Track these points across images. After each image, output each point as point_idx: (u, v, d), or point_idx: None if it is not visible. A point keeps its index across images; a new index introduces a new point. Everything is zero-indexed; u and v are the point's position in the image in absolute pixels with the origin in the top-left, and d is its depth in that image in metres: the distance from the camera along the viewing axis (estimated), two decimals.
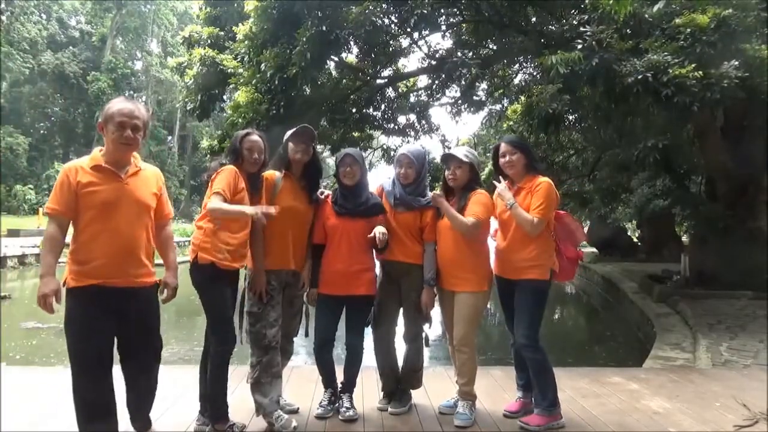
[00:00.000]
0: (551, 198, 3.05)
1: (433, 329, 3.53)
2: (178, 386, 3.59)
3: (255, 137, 2.94)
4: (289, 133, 3.10)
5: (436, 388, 3.72)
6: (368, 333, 3.33)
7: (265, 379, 2.93)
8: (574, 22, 7.07)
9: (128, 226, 2.44)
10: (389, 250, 3.23)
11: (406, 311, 3.30)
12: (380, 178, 3.61)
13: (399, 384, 3.38)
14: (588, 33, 6.60)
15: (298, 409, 3.26)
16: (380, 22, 8.67)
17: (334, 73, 10.52)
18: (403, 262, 3.24)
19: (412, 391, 3.44)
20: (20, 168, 34.33)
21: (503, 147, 3.24)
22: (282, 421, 2.90)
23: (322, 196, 3.24)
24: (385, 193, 3.35)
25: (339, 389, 3.26)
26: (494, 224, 3.33)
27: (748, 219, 9.46)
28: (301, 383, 3.65)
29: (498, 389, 3.78)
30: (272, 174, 3.07)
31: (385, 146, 14.11)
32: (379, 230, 3.02)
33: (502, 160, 3.23)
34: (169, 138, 46.90)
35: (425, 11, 8.09)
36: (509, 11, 8.32)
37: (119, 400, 2.55)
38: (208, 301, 2.78)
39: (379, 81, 11.15)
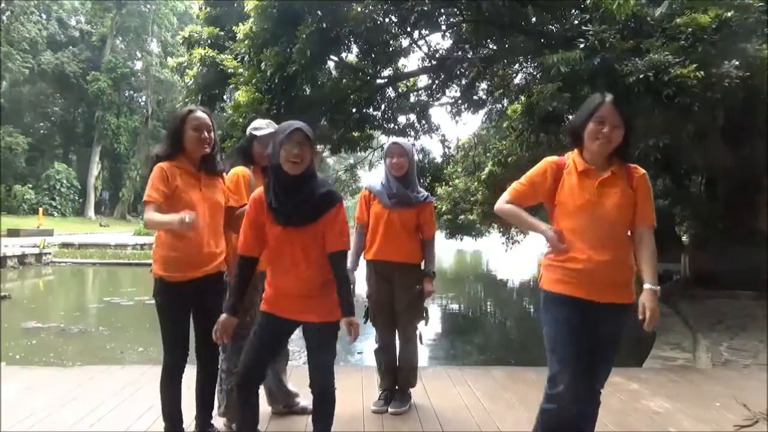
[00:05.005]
0: None
1: (428, 328, 3.50)
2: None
3: (200, 114, 2.57)
4: (256, 133, 2.92)
5: (436, 388, 3.72)
6: (366, 334, 3.32)
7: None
8: (576, 22, 7.07)
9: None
10: (380, 249, 3.22)
11: (399, 310, 3.27)
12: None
13: (396, 383, 3.37)
14: (590, 32, 6.60)
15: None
16: (380, 20, 8.68)
17: (334, 72, 10.52)
18: (394, 262, 3.20)
19: (411, 390, 3.42)
20: (19, 168, 34.34)
21: (611, 109, 2.12)
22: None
23: None
24: (375, 194, 3.31)
25: None
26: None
27: (748, 219, 9.47)
28: (302, 383, 3.64)
29: (498, 389, 3.78)
30: (245, 172, 2.87)
31: (385, 146, 14.09)
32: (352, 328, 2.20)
33: (598, 128, 2.12)
34: None
35: (426, 9, 8.09)
36: (509, 11, 8.32)
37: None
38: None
39: (379, 81, 11.15)
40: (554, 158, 2.26)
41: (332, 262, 2.23)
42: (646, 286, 2.11)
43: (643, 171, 2.21)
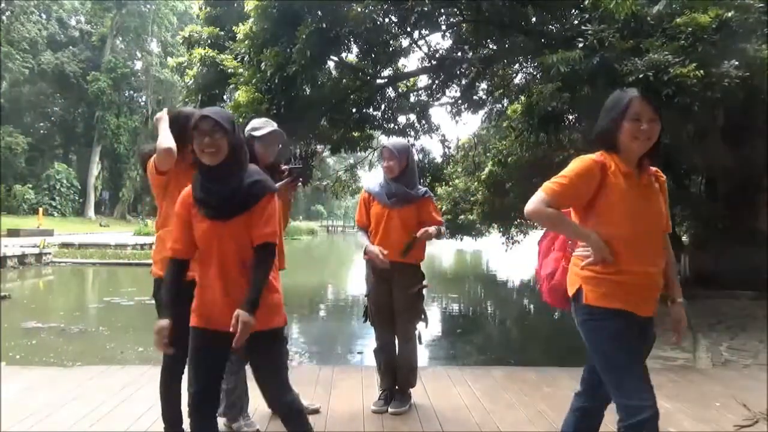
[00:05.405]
0: None
1: (428, 328, 3.49)
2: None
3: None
4: (255, 133, 2.90)
5: (436, 388, 3.72)
6: (365, 334, 3.32)
7: (240, 386, 2.92)
8: (575, 22, 7.08)
9: None
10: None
11: (398, 311, 3.28)
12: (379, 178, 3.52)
13: (396, 383, 3.37)
14: (589, 32, 6.61)
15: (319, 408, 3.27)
16: (380, 20, 8.68)
17: (334, 72, 10.52)
18: (394, 262, 3.19)
19: (411, 390, 3.42)
20: (19, 168, 34.38)
21: (643, 103, 1.93)
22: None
23: (285, 174, 2.87)
24: (373, 195, 3.34)
25: None
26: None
27: (748, 219, 9.47)
28: (302, 383, 3.64)
29: (498, 389, 3.78)
30: None
31: None
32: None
33: (636, 125, 1.92)
34: None
35: (426, 9, 8.09)
36: (509, 11, 8.33)
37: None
38: None
39: (379, 81, 11.15)
40: (592, 157, 1.99)
41: (255, 258, 1.99)
42: (678, 299, 2.08)
43: (663, 175, 2.08)
